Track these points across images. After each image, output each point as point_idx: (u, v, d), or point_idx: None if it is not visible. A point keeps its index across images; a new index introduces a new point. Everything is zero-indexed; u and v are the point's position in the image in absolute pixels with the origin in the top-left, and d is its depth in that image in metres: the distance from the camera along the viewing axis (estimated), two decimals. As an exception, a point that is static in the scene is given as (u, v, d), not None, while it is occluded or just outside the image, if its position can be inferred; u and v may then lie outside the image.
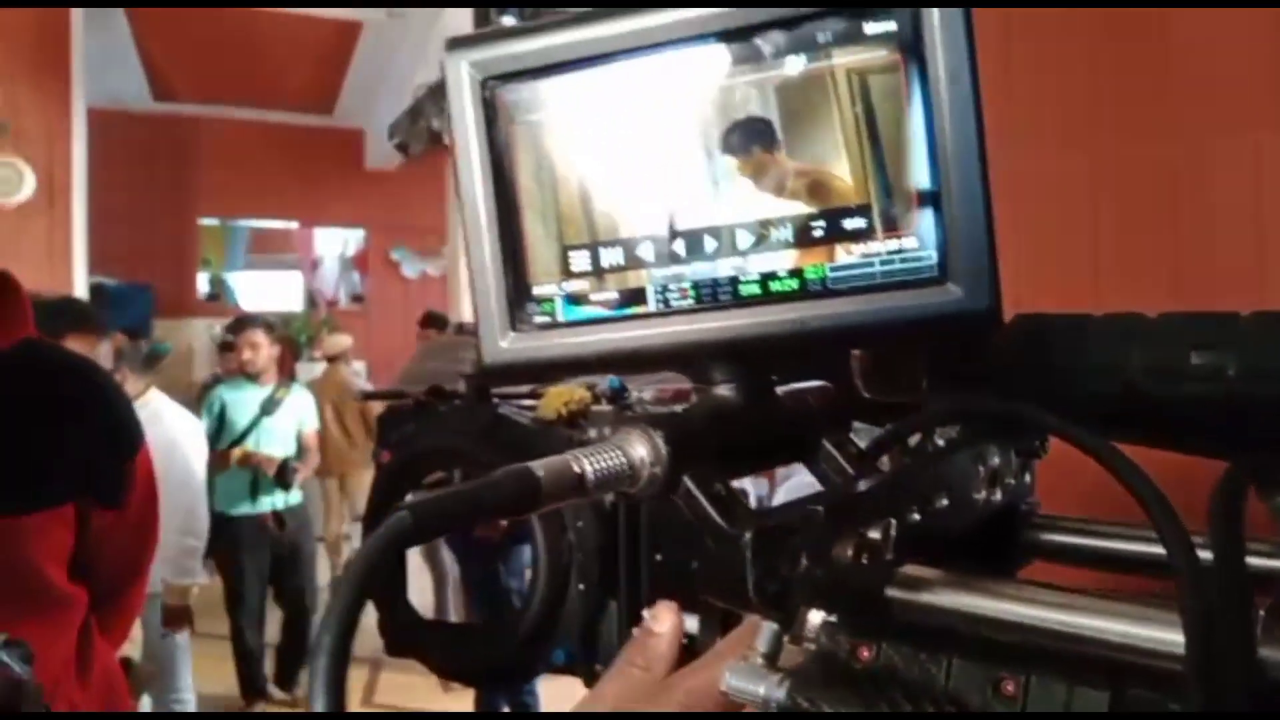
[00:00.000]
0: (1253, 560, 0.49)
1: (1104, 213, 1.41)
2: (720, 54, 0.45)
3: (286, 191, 8.99)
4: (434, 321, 5.93)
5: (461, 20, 5.29)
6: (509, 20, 6.72)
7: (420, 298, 8.54)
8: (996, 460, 0.55)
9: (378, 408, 6.40)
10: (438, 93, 5.80)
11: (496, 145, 0.49)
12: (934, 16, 0.42)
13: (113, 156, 6.48)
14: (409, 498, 1.03)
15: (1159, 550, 0.58)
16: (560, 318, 0.50)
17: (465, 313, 6.18)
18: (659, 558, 0.85)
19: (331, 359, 6.89)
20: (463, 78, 0.48)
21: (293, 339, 7.03)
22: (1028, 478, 0.59)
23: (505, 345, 0.50)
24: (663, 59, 0.46)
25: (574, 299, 0.49)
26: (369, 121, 8.63)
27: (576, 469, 0.41)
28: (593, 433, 0.98)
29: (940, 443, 0.56)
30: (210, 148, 8.58)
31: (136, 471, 1.33)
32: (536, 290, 0.50)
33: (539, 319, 0.50)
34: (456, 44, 0.48)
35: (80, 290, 4.57)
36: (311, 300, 9.72)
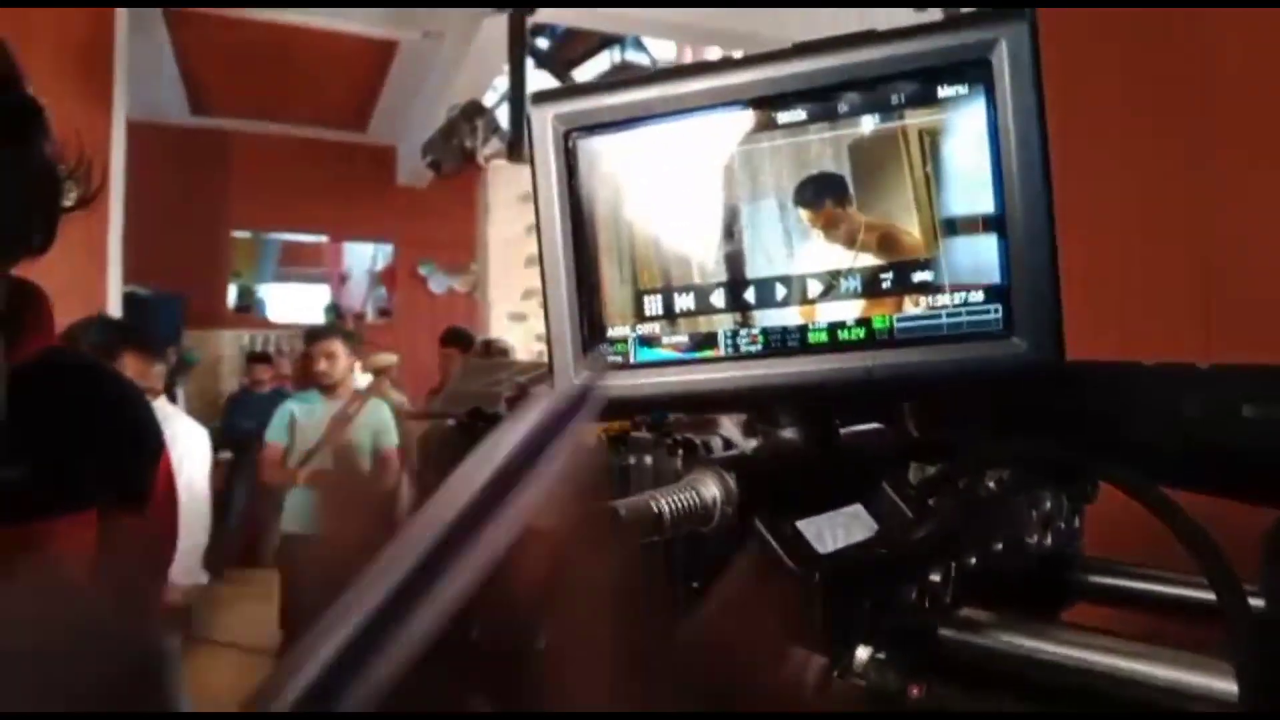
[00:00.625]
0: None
1: (1133, 244, 1.41)
2: (796, 112, 0.47)
3: (318, 206, 9.07)
4: (455, 339, 5.63)
5: (496, 44, 5.35)
6: (542, 43, 6.79)
7: (447, 313, 8.59)
8: (1049, 504, 0.56)
9: (412, 425, 6.37)
10: (471, 112, 5.86)
11: (577, 194, 0.51)
12: (1005, 81, 0.43)
13: (149, 168, 6.56)
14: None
15: (1202, 595, 0.59)
16: (633, 358, 0.52)
17: (492, 329, 6.19)
18: (694, 585, 0.86)
19: (377, 373, 6.92)
20: (547, 129, 0.50)
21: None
22: (1077, 522, 0.60)
23: (578, 383, 0.52)
24: (740, 115, 0.48)
25: (646, 341, 0.51)
26: (401, 139, 8.71)
27: (655, 509, 0.43)
28: (632, 459, 0.99)
29: (990, 484, 0.58)
30: (244, 161, 8.68)
31: (158, 475, 1.35)
32: (610, 332, 0.52)
33: (612, 359, 0.52)
34: (541, 97, 0.50)
35: (114, 299, 4.63)
36: (337, 313, 9.79)
